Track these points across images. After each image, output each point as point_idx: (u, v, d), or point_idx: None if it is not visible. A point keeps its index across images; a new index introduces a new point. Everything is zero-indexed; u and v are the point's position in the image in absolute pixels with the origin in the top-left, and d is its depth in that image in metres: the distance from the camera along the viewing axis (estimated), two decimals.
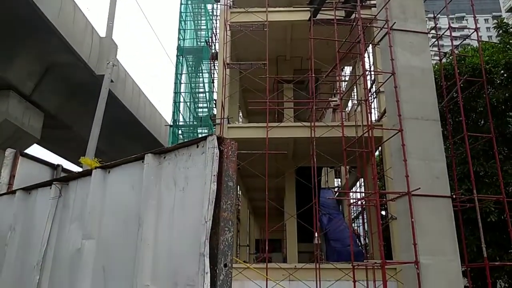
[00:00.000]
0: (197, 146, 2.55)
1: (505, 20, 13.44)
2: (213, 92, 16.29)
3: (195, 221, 2.32)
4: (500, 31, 12.56)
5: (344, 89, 17.39)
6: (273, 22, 13.84)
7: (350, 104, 18.71)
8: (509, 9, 45.45)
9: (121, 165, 3.08)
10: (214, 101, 15.96)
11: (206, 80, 16.49)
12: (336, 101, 14.67)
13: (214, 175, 2.34)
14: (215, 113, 14.92)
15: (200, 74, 16.54)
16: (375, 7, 12.10)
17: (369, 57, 14.65)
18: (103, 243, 2.93)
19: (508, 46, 11.94)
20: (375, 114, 13.93)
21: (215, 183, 2.34)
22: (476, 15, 11.40)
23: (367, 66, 12.83)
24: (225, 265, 2.28)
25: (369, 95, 12.68)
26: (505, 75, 11.44)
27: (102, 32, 20.50)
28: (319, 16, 13.25)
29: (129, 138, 25.55)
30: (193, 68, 16.56)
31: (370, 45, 13.04)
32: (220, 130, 13.45)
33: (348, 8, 12.73)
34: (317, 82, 13.27)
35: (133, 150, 27.45)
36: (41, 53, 16.69)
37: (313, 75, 12.76)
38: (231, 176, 2.42)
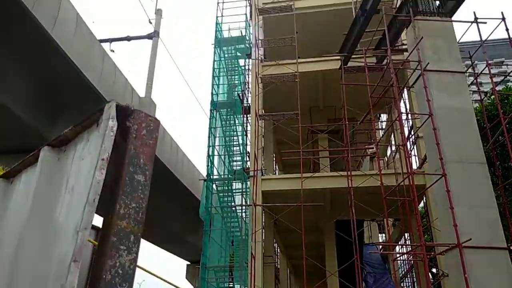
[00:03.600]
0: (97, 125, 1.76)
1: None
2: (247, 144, 16.19)
3: (70, 234, 1.50)
4: None
5: (380, 137, 16.78)
6: (304, 73, 13.83)
7: (388, 152, 17.96)
8: None
9: (24, 170, 2.38)
10: (248, 154, 15.80)
11: (239, 133, 16.47)
12: (372, 148, 14.07)
13: (102, 159, 1.54)
14: (249, 165, 14.71)
15: (234, 127, 16.58)
16: (407, 51, 11.82)
17: (405, 103, 14.16)
18: None
19: None
20: (415, 161, 13.15)
21: (103, 171, 1.52)
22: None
23: (403, 111, 12.35)
24: None
25: (407, 140, 12.07)
26: None
27: (141, 92, 21.45)
28: (350, 64, 13.10)
29: (166, 195, 25.69)
30: (226, 121, 16.67)
31: (405, 89, 12.62)
32: (253, 183, 13.14)
33: (379, 53, 12.53)
34: (352, 129, 12.83)
35: (171, 209, 27.45)
36: (83, 114, 17.51)
37: (347, 122, 12.38)
38: (142, 166, 1.61)
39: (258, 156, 13.76)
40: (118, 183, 1.57)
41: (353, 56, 12.98)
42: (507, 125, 9.88)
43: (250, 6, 17.15)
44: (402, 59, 12.07)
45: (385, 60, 12.06)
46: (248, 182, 14.47)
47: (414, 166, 12.43)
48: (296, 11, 15.01)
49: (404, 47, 12.71)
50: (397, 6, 12.47)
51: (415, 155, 13.33)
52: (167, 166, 22.82)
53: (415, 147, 13.29)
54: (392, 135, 15.73)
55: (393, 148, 15.45)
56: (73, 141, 1.98)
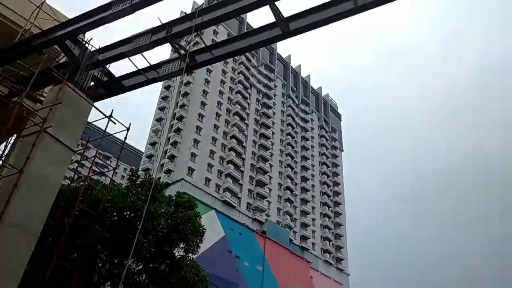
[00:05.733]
0: None
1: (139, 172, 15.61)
2: None
3: None
4: (132, 179, 14.38)
5: None
6: None
7: None
8: (145, 169, 55.11)
9: None
10: None
11: None
12: None
13: None
14: None
15: None
16: (41, 102, 11.88)
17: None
18: None
19: (130, 194, 13.57)
20: None
21: None
22: (120, 163, 12.86)
23: None
24: None
25: None
26: (116, 218, 12.68)
27: None
28: None
29: None
30: None
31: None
32: None
33: (14, 90, 11.91)
34: None
35: None
36: None
37: None
38: None
39: None
40: None
41: None
42: (77, 212, 10.91)
43: None
44: (34, 106, 11.95)
45: (16, 98, 11.64)
46: None
47: None
48: None
49: (42, 98, 12.65)
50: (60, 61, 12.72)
51: None
52: None
53: None
54: None
55: None
56: None
